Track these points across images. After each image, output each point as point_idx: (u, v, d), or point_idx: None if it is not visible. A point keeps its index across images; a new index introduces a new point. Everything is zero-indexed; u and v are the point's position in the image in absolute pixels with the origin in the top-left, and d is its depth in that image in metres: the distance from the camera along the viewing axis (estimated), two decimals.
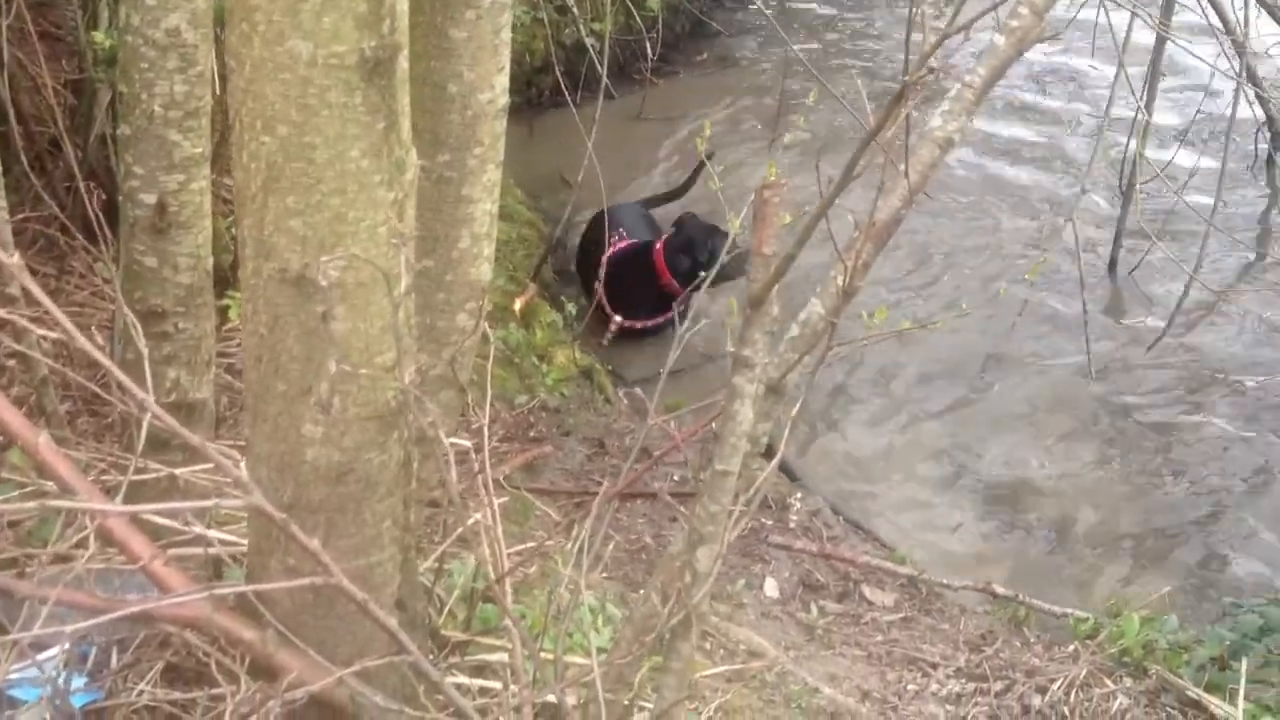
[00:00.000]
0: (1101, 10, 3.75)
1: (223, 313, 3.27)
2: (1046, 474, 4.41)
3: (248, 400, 1.83)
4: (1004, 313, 5.03)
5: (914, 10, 1.36)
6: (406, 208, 1.70)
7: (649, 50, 6.03)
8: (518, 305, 4.73)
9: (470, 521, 2.08)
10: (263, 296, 1.71)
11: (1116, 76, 4.40)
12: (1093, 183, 4.92)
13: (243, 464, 1.80)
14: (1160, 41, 4.57)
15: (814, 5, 7.61)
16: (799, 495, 4.07)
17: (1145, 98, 4.64)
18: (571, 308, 4.76)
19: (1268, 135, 5.94)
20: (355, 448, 1.80)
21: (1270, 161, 5.96)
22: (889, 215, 2.14)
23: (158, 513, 1.84)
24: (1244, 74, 5.06)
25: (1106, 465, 4.42)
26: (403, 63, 1.63)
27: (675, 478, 4.00)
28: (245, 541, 2.15)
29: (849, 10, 7.53)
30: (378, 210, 1.67)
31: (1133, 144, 4.71)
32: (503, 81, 2.30)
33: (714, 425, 2.21)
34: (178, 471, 2.11)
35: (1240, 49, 4.84)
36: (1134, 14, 3.49)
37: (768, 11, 5.84)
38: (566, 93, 5.37)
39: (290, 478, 1.79)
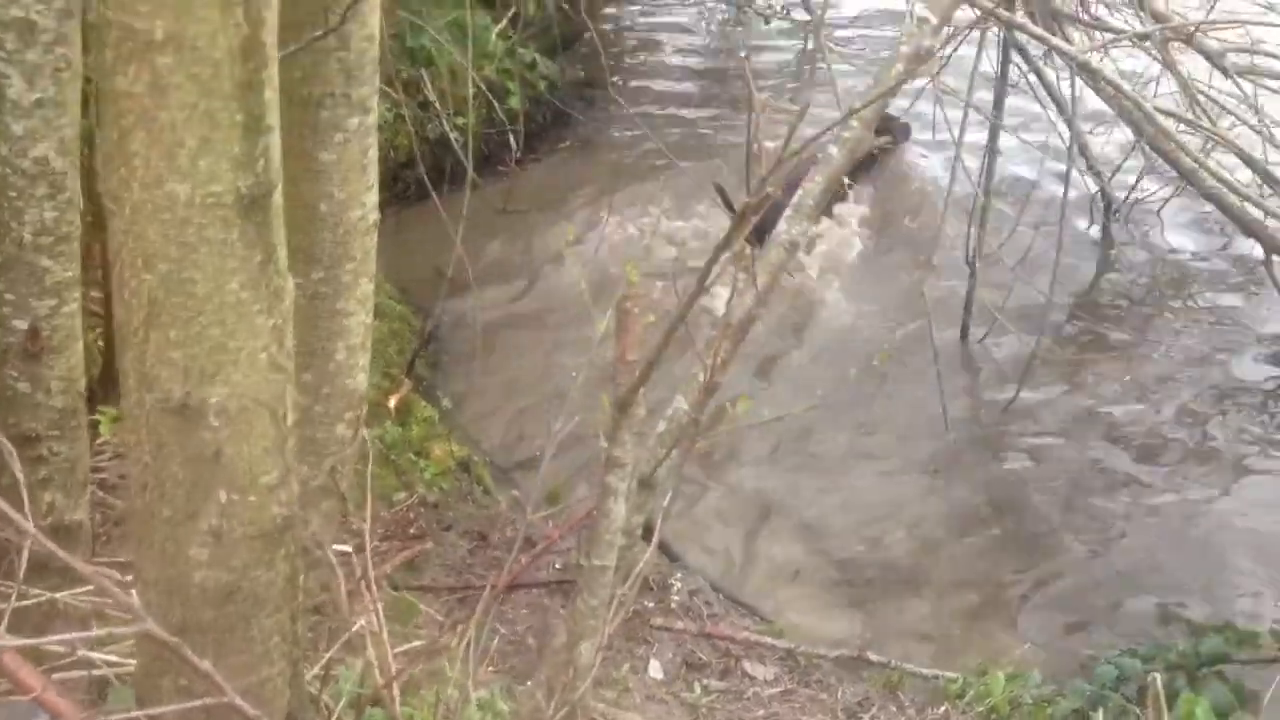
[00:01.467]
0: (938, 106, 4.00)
1: (93, 427, 3.26)
2: (913, 538, 4.59)
3: (134, 526, 1.86)
4: (863, 390, 5.23)
5: (752, 134, 1.46)
6: (285, 333, 1.77)
7: (513, 142, 6.18)
8: (392, 402, 4.77)
9: (355, 627, 2.13)
10: (146, 426, 1.75)
11: (955, 160, 4.67)
12: (941, 259, 5.19)
13: (134, 591, 1.83)
14: (994, 130, 4.86)
15: (675, 86, 7.85)
16: (679, 575, 4.17)
17: (983, 181, 4.92)
18: (447, 402, 4.82)
19: (1102, 206, 6.32)
20: (242, 567, 1.85)
21: (1105, 230, 6.33)
22: (743, 315, 2.28)
23: (53, 644, 1.86)
24: (1074, 149, 5.42)
25: (968, 527, 4.61)
26: (278, 196, 1.71)
27: (557, 565, 4.07)
28: (129, 661, 2.16)
29: (705, 104, 7.75)
30: (257, 338, 1.74)
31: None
32: (372, 199, 2.40)
33: (590, 519, 2.30)
34: (60, 596, 2.12)
35: (1069, 117, 5.20)
36: (966, 108, 3.73)
37: (630, 109, 6.02)
38: (431, 186, 5.46)
39: (179, 600, 1.83)
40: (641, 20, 8.79)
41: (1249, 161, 4.31)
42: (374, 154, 2.36)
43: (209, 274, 1.65)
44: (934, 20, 2.25)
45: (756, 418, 2.48)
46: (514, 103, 6.42)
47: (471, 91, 5.80)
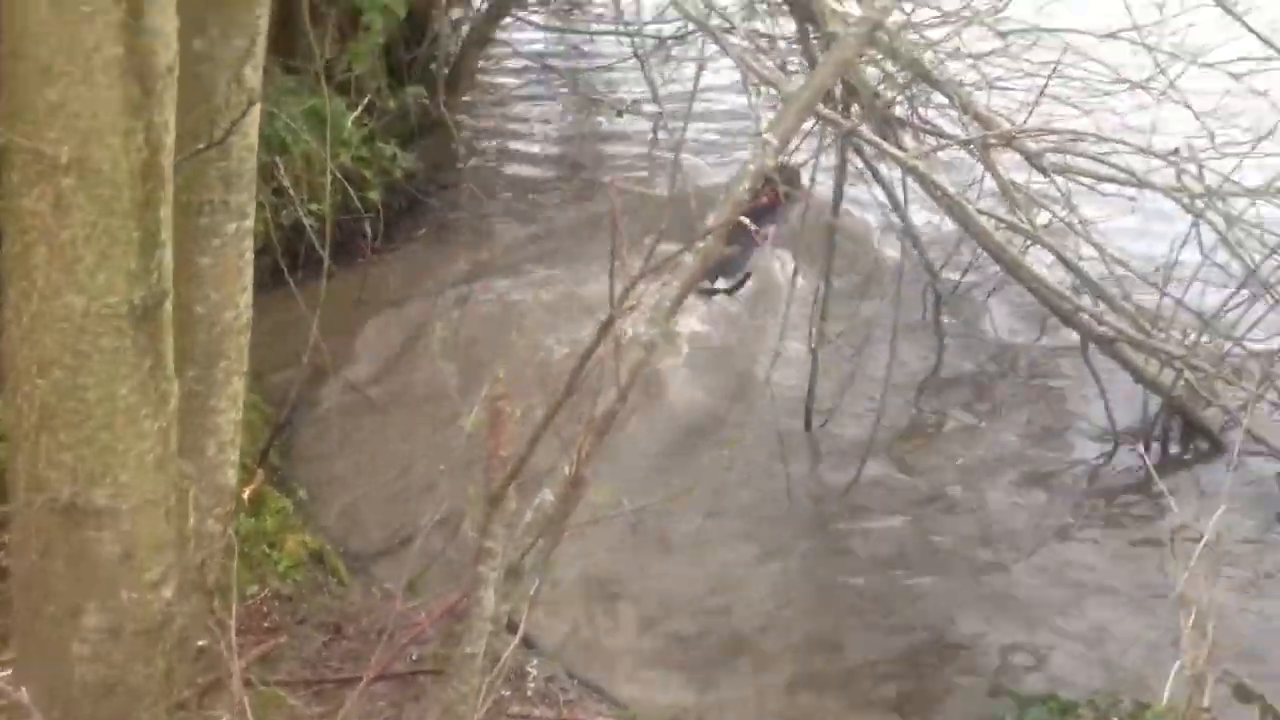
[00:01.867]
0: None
1: None
2: (758, 616, 4.74)
3: (18, 623, 1.91)
4: (713, 475, 5.39)
5: (616, 250, 1.59)
6: (171, 434, 1.86)
7: (369, 229, 6.26)
8: (246, 493, 4.75)
9: None
10: (34, 526, 1.81)
11: (796, 256, 4.94)
12: (785, 347, 5.43)
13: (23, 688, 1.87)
14: (831, 229, 5.15)
15: (531, 173, 8.03)
16: (535, 661, 4.24)
17: (824, 271, 5.20)
18: (302, 492, 4.83)
19: (933, 296, 6.67)
20: (124, 662, 1.91)
21: (937, 319, 6.68)
22: (607, 411, 2.43)
23: None
24: (907, 243, 5.76)
25: (813, 606, 4.79)
26: (168, 305, 1.81)
27: (414, 655, 4.10)
28: None
29: (561, 192, 7.94)
30: (144, 440, 1.82)
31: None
32: (246, 299, 2.49)
33: (459, 607, 2.40)
34: None
35: (902, 214, 5.54)
36: (806, 206, 3.99)
37: (486, 198, 6.18)
38: (287, 273, 5.49)
39: (61, 696, 1.88)
40: (498, 110, 9.00)
41: (1060, 257, 4.67)
42: (249, 256, 2.45)
43: (101, 380, 1.74)
44: (775, 142, 2.47)
45: (617, 506, 2.62)
46: (370, 190, 6.51)
47: (329, 179, 5.89)
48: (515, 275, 6.57)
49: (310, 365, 4.86)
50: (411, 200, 7.46)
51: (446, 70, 8.06)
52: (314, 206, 6.15)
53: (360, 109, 6.98)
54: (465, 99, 8.93)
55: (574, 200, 7.74)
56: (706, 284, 6.18)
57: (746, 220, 2.40)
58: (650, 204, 5.83)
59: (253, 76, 2.20)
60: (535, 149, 8.48)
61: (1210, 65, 5.69)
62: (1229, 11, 4.80)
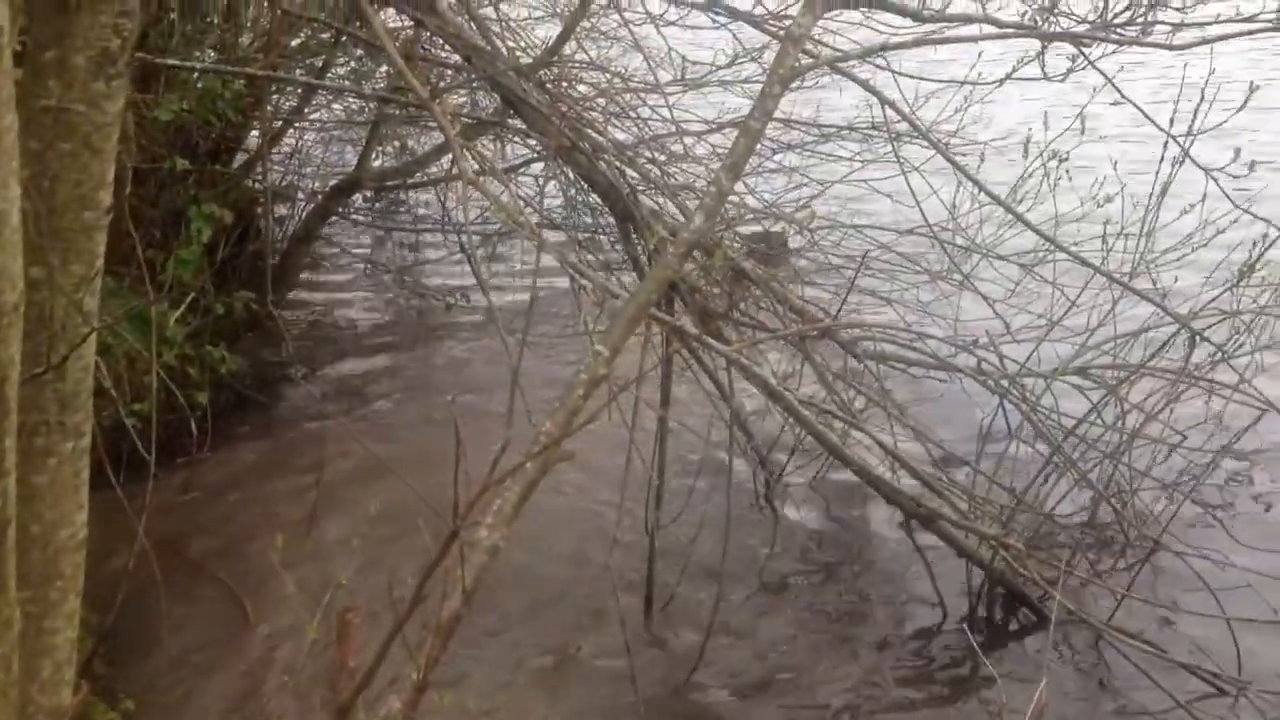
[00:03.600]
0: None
1: None
2: None
3: None
4: (559, 665, 5.39)
5: (458, 459, 1.65)
6: (13, 660, 1.82)
7: (195, 429, 6.17)
8: (68, 707, 4.55)
9: None
10: None
11: (630, 445, 5.08)
12: (623, 534, 5.52)
13: None
14: (662, 420, 5.31)
15: (361, 368, 8.04)
16: None
17: (656, 465, 5.34)
18: (129, 702, 4.65)
19: (764, 479, 6.88)
20: None
21: (769, 501, 6.87)
22: (450, 615, 2.46)
23: None
24: (734, 429, 5.96)
25: None
26: (12, 531, 1.79)
27: None
28: None
29: (389, 386, 7.96)
30: None
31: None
32: (82, 517, 2.46)
33: None
34: None
35: (729, 403, 5.74)
36: (636, 401, 4.13)
37: (318, 394, 6.18)
38: (111, 474, 5.36)
39: None
40: (327, 306, 9.04)
41: (875, 440, 4.91)
42: (85, 474, 2.44)
43: None
44: (606, 353, 2.61)
45: (461, 708, 2.63)
46: (196, 389, 6.44)
47: (154, 378, 5.82)
48: (350, 475, 6.53)
49: (136, 568, 4.73)
50: (239, 398, 7.38)
51: (274, 265, 8.09)
52: (137, 406, 6.04)
53: (184, 307, 6.95)
54: (293, 296, 8.96)
55: (407, 397, 7.78)
56: None
57: None
58: (489, 417, 5.96)
59: (90, 302, 2.24)
60: (365, 345, 8.52)
61: (1002, 258, 6.18)
62: (1010, 211, 5.22)
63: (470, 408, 7.08)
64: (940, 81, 5.52)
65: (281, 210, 8.93)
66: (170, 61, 6.02)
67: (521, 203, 6.72)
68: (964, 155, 6.22)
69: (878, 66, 5.21)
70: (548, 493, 6.60)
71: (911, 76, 5.36)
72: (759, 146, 7.63)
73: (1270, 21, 3.42)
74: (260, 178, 7.49)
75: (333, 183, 8.66)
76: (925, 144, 5.12)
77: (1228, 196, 5.05)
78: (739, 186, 6.96)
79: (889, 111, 4.93)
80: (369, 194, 9.14)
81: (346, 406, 7.33)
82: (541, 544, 6.35)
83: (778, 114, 7.49)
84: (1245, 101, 4.73)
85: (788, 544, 6.55)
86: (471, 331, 8.51)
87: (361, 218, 9.49)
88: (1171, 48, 3.65)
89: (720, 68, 7.07)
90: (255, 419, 7.37)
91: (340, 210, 8.88)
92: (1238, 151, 4.72)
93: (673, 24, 6.55)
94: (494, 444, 2.35)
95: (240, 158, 8.14)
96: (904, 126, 5.28)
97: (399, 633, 2.08)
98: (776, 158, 7.48)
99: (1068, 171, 5.86)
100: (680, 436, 6.22)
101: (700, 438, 6.00)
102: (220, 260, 7.65)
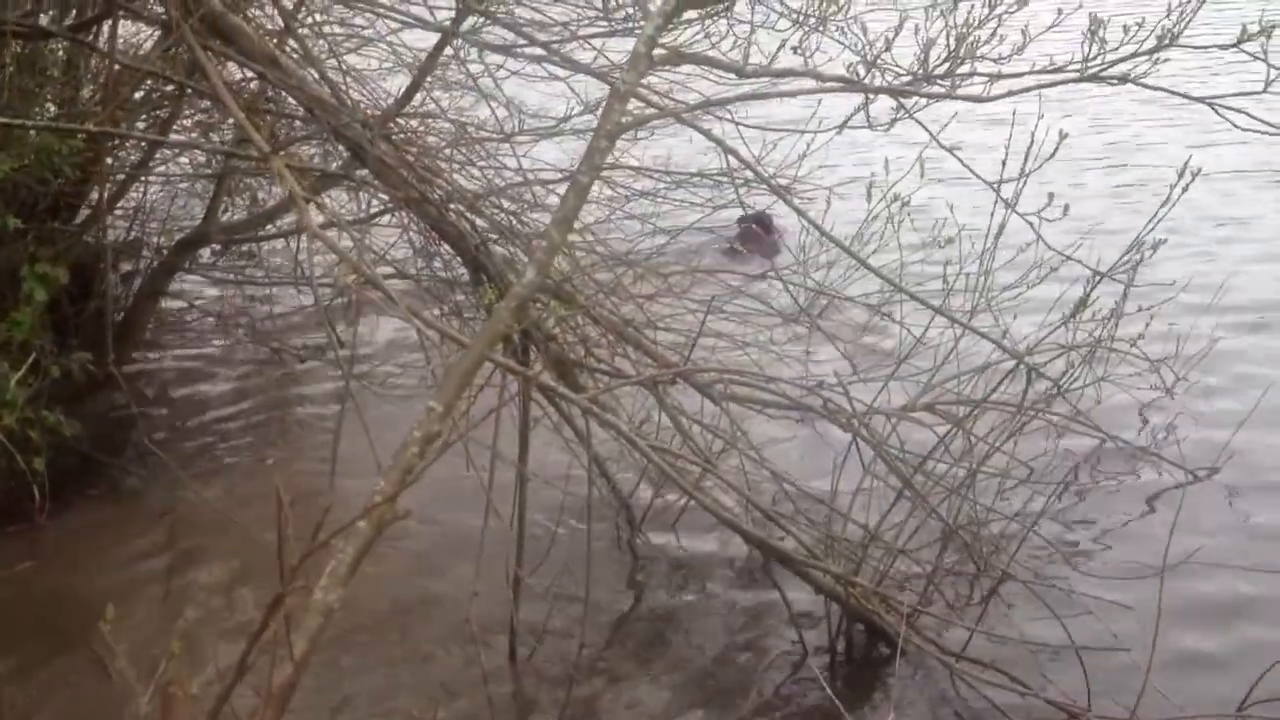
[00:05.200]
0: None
1: None
2: None
3: None
4: None
5: (280, 525, 1.61)
6: None
7: (37, 494, 5.96)
8: None
9: None
10: None
11: (488, 498, 5.05)
12: (483, 586, 5.47)
13: None
14: (521, 473, 5.30)
15: (211, 426, 7.84)
16: None
17: (516, 515, 5.32)
18: None
19: (625, 522, 6.88)
20: None
21: (630, 544, 6.87)
22: (283, 683, 2.40)
23: None
24: (593, 471, 5.98)
25: None
26: None
27: None
28: None
29: (241, 445, 7.77)
30: None
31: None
32: None
33: None
34: None
35: (587, 449, 5.76)
36: (494, 457, 4.11)
37: (165, 456, 6.02)
38: None
39: None
40: (172, 364, 8.81)
41: (726, 482, 4.97)
42: None
43: None
44: (440, 409, 2.58)
45: None
46: (35, 455, 6.21)
47: None
48: (200, 535, 6.36)
49: None
50: (84, 460, 7.13)
51: (119, 323, 7.87)
52: None
53: (25, 369, 6.69)
54: (139, 353, 8.71)
55: (261, 455, 7.61)
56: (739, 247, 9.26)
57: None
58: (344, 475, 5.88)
59: None
60: (217, 402, 8.32)
61: (850, 299, 6.34)
62: (851, 255, 5.35)
63: (321, 464, 6.95)
64: (781, 130, 5.64)
65: (127, 265, 8.70)
66: (2, 120, 5.85)
67: (374, 254, 6.67)
68: (810, 200, 6.39)
69: (718, 118, 5.30)
70: (403, 549, 6.60)
71: (753, 126, 5.47)
72: (613, 193, 7.73)
73: (1076, 72, 3.59)
74: (101, 234, 7.28)
75: (179, 237, 8.46)
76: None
77: (1042, 239, 5.28)
78: (592, 235, 7.03)
79: (733, 159, 5.02)
80: (219, 247, 8.95)
81: (198, 465, 7.12)
82: (400, 601, 6.27)
83: (630, 162, 7.61)
84: (1055, 150, 4.99)
85: (650, 587, 6.56)
86: (329, 384, 8.38)
87: (212, 273, 9.29)
88: (985, 100, 3.81)
89: (572, 116, 7.12)
90: (102, 482, 7.13)
91: (188, 265, 8.67)
92: (1051, 196, 4.99)
93: (514, 74, 6.59)
94: (354, 502, 2.32)
95: (84, 213, 7.91)
96: (751, 173, 5.38)
97: (225, 703, 2.03)
98: (628, 206, 7.56)
99: (910, 215, 6.03)
100: (542, 483, 6.21)
101: (559, 489, 5.99)
102: (62, 319, 7.41)
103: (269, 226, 8.54)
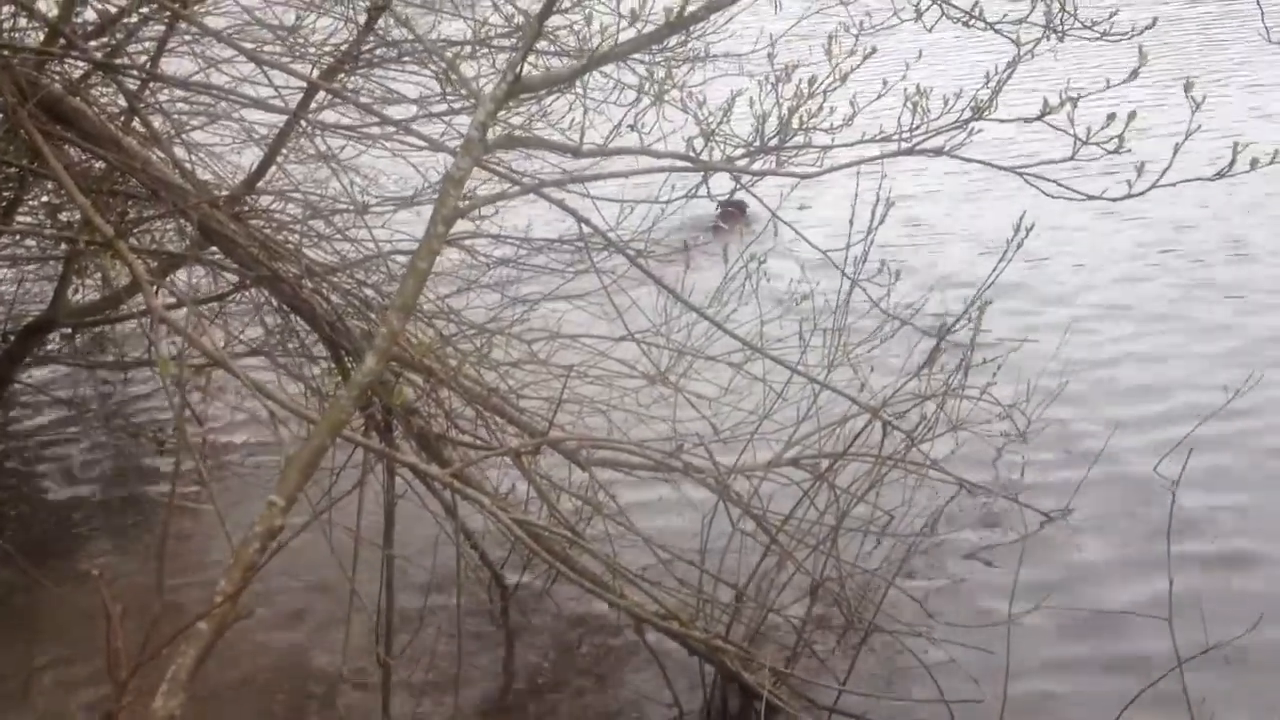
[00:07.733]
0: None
1: None
2: None
3: None
4: None
5: (110, 635, 1.54)
6: None
7: None
8: None
9: None
10: None
11: (351, 587, 4.96)
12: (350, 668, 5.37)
13: None
14: (388, 556, 5.22)
15: (63, 517, 7.57)
16: None
17: (384, 596, 5.23)
18: None
19: (497, 586, 6.82)
20: None
21: (505, 617, 6.80)
22: None
23: None
24: (461, 542, 5.90)
25: None
26: None
27: None
28: None
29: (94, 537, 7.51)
30: None
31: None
32: None
33: None
34: None
35: (455, 522, 5.70)
36: (357, 541, 4.04)
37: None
38: None
39: None
40: (26, 454, 8.50)
41: (589, 550, 4.96)
42: None
43: None
44: (281, 503, 2.54)
45: None
46: None
47: None
48: (57, 636, 6.11)
49: None
50: None
51: None
52: None
53: None
54: None
55: (119, 547, 7.37)
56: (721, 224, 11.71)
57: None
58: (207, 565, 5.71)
59: None
60: (70, 494, 8.02)
61: (712, 359, 6.41)
62: (706, 317, 5.42)
63: (181, 555, 6.76)
64: (630, 202, 5.72)
65: None
66: None
67: (228, 334, 6.55)
68: (671, 262, 6.46)
69: (568, 191, 5.35)
70: (267, 642, 6.42)
71: (602, 198, 5.52)
72: (473, 260, 7.72)
73: (895, 146, 3.72)
74: None
75: (26, 322, 8.20)
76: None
77: (875, 303, 5.45)
78: (454, 303, 7.01)
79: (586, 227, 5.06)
80: (69, 331, 8.68)
81: (51, 564, 6.85)
82: (266, 697, 6.11)
83: (491, 229, 7.61)
84: (884, 216, 5.20)
85: (525, 657, 6.51)
86: (188, 469, 8.15)
87: (62, 359, 8.99)
88: (811, 175, 3.94)
89: (428, 189, 7.12)
90: None
91: (36, 351, 8.39)
92: (883, 263, 5.17)
93: (366, 150, 6.58)
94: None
95: None
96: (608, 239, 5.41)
97: None
98: (490, 274, 7.56)
99: (765, 274, 6.15)
100: (409, 559, 6.13)
101: (425, 568, 5.91)
102: None
103: (121, 308, 8.31)
